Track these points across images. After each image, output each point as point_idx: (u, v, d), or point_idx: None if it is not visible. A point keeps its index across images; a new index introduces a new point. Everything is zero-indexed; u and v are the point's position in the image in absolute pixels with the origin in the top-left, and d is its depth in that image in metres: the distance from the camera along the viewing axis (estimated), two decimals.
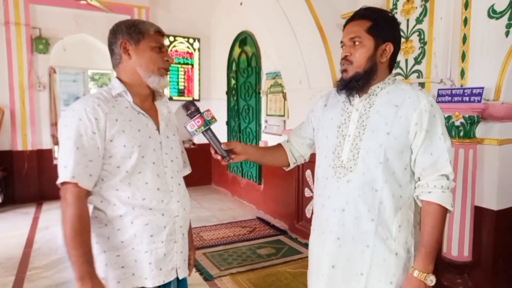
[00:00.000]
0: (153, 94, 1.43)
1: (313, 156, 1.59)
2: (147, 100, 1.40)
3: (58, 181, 1.22)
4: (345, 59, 1.31)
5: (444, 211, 1.24)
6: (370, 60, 1.28)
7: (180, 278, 1.41)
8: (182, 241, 1.41)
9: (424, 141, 1.24)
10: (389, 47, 1.29)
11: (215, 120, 1.33)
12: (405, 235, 1.29)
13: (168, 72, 1.41)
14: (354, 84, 1.30)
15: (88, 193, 1.26)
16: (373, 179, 1.26)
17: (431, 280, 1.22)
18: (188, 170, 1.60)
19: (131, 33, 1.32)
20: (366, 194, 1.27)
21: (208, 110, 1.33)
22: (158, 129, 1.38)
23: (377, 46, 1.28)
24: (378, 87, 1.31)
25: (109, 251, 1.28)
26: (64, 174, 1.21)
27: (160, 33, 1.37)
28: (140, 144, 1.29)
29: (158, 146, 1.35)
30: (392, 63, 1.34)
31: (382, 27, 1.28)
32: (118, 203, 1.28)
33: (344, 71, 1.32)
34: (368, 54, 1.27)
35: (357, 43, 1.28)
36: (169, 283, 1.38)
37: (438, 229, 1.24)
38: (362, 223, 1.28)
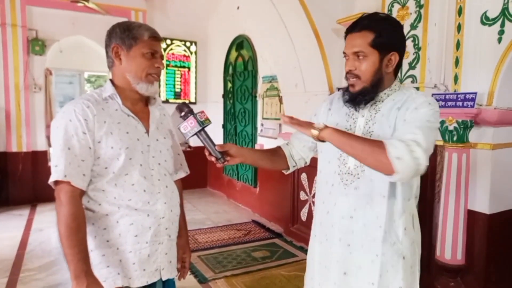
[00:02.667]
0: (148, 97, 1.44)
1: (311, 160, 1.60)
2: (139, 103, 1.41)
3: (50, 180, 1.24)
4: (350, 73, 1.28)
5: (381, 148, 1.12)
6: (376, 73, 1.25)
7: (164, 279, 1.42)
8: (168, 243, 1.41)
9: (409, 116, 1.20)
10: (394, 57, 1.26)
11: (209, 121, 1.32)
12: (410, 237, 1.30)
13: (158, 78, 1.41)
14: (361, 99, 1.28)
15: (82, 193, 1.27)
16: (381, 185, 1.25)
17: (318, 127, 1.21)
18: (184, 173, 1.61)
19: (124, 38, 1.33)
20: (374, 201, 1.26)
21: (202, 112, 1.32)
22: (147, 131, 1.39)
23: (382, 58, 1.25)
24: (385, 93, 1.30)
25: (95, 250, 1.29)
26: (55, 173, 1.23)
27: (155, 39, 1.37)
28: (127, 146, 1.31)
29: (146, 149, 1.37)
30: (397, 68, 1.32)
31: (386, 37, 1.23)
32: (104, 203, 1.30)
33: (351, 85, 1.30)
34: (374, 68, 1.25)
35: (361, 57, 1.25)
36: (154, 284, 1.38)
37: (362, 145, 1.15)
38: (370, 230, 1.27)
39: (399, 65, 1.31)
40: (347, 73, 1.30)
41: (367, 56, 1.24)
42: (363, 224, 1.28)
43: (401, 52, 1.29)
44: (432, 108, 1.22)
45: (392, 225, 1.27)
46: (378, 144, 1.14)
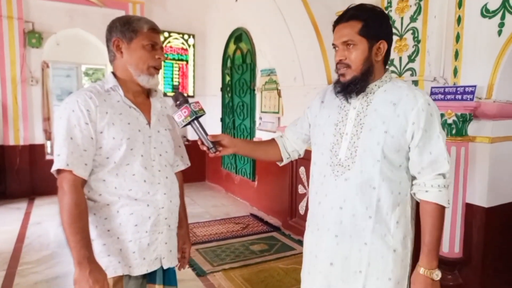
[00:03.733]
0: (149, 90, 1.47)
1: (307, 153, 1.59)
2: (141, 96, 1.44)
3: (52, 169, 1.26)
4: (340, 62, 1.30)
5: (442, 209, 1.27)
6: (366, 61, 1.27)
7: (165, 268, 1.44)
8: (168, 233, 1.44)
9: (421, 139, 1.24)
10: (383, 45, 1.29)
11: (203, 112, 1.36)
12: (403, 230, 1.30)
13: (159, 71, 1.44)
14: (352, 88, 1.30)
15: (84, 182, 1.29)
16: (371, 177, 1.27)
17: (437, 274, 1.26)
18: (185, 165, 1.63)
19: (124, 32, 1.36)
20: (364, 192, 1.27)
21: (197, 102, 1.37)
22: (149, 123, 1.41)
23: (371, 46, 1.27)
24: (376, 85, 1.32)
25: (96, 240, 1.32)
26: (58, 162, 1.25)
27: (155, 31, 1.40)
28: (129, 137, 1.33)
29: (147, 140, 1.39)
30: (387, 58, 1.34)
31: (373, 26, 1.26)
32: (104, 194, 1.32)
33: (341, 75, 1.31)
34: (364, 56, 1.27)
35: (350, 46, 1.27)
36: (154, 272, 1.41)
37: (438, 227, 1.27)
38: (359, 221, 1.29)
39: (388, 55, 1.33)
40: (337, 63, 1.32)
41: (357, 45, 1.27)
42: (352, 215, 1.29)
43: (389, 41, 1.32)
44: (432, 109, 1.26)
45: (383, 217, 1.28)
46: (439, 209, 1.26)
